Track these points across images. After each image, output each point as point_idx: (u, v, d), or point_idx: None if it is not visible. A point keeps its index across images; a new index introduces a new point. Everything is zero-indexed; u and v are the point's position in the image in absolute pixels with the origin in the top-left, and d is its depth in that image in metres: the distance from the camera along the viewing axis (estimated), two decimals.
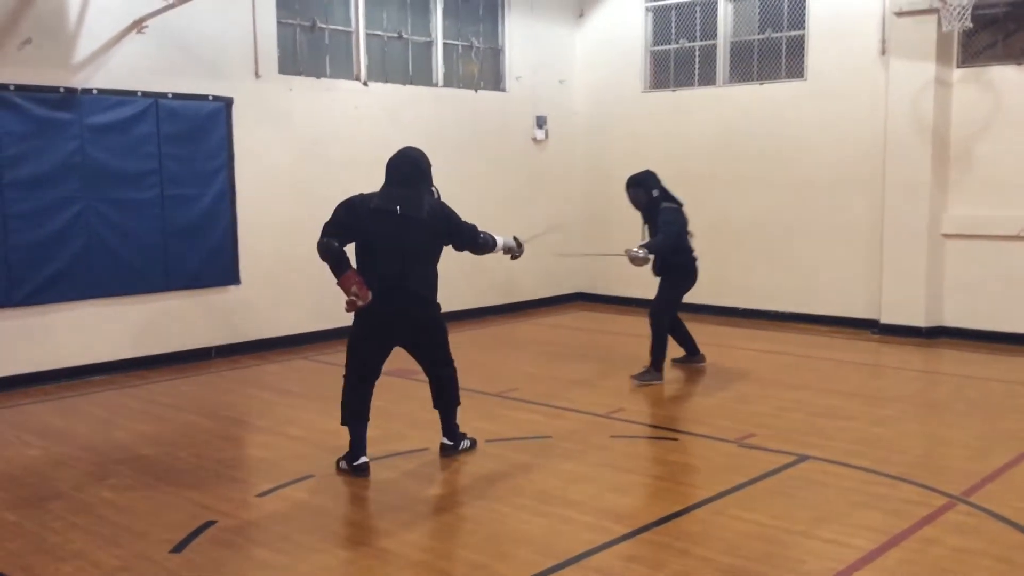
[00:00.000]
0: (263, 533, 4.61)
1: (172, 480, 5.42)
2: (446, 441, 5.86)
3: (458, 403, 5.86)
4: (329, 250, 5.30)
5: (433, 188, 5.65)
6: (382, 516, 4.81)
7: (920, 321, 9.70)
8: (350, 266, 5.34)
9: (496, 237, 5.98)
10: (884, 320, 9.98)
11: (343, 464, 5.52)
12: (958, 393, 7.54)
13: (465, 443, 5.91)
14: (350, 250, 5.43)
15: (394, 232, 5.36)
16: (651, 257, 7.56)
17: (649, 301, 8.03)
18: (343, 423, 5.54)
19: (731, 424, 6.49)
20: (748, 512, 4.80)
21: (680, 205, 7.82)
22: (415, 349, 5.73)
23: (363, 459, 5.48)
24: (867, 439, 6.10)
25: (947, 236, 9.68)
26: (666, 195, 7.80)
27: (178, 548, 4.41)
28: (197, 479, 5.43)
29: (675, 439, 6.17)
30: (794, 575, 4.08)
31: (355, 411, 5.53)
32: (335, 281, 5.33)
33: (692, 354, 8.34)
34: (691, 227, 7.98)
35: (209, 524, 4.69)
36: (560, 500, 4.99)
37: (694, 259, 7.90)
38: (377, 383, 5.62)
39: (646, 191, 7.78)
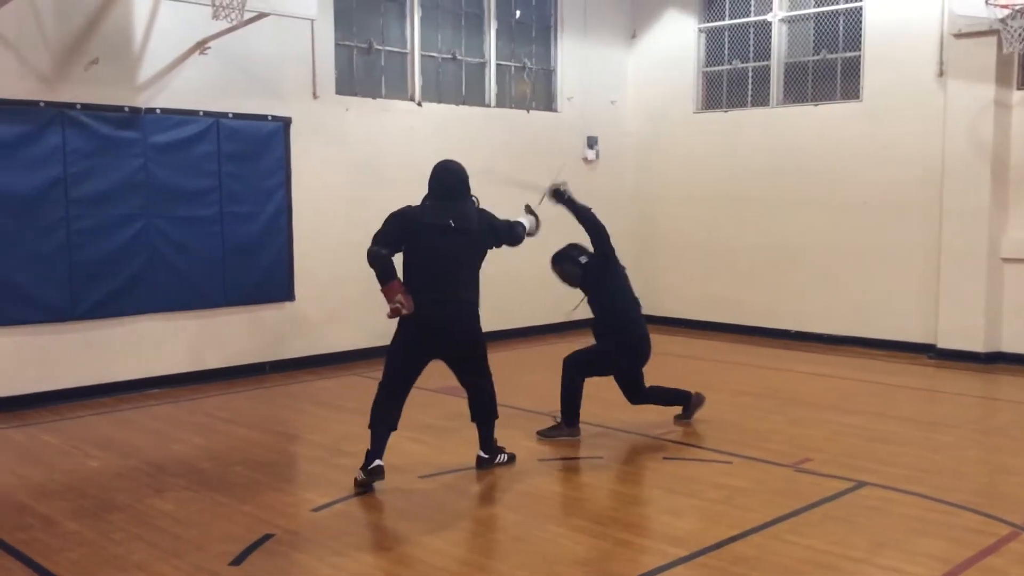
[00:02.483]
0: (319, 548, 4.65)
1: (229, 493, 5.50)
2: (482, 454, 5.88)
3: (496, 416, 5.89)
4: (378, 258, 5.42)
5: (473, 197, 5.75)
6: (435, 533, 4.82)
7: (978, 346, 9.52)
8: (396, 276, 5.45)
9: (523, 221, 6.11)
10: (941, 345, 9.81)
11: (359, 475, 5.47)
12: (1019, 421, 7.38)
13: (502, 457, 5.93)
14: (398, 260, 5.57)
15: (447, 245, 5.49)
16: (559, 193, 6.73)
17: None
18: (369, 427, 5.55)
19: (786, 448, 6.42)
20: (805, 538, 4.74)
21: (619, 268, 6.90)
22: (456, 362, 5.78)
23: (378, 462, 5.47)
24: (926, 466, 6.00)
25: (1006, 260, 9.50)
26: (600, 257, 6.85)
27: (237, 561, 4.46)
28: (253, 492, 5.50)
29: (729, 462, 6.11)
30: None
31: (383, 419, 5.57)
32: (379, 288, 5.45)
33: (571, 423, 6.79)
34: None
35: (267, 537, 4.74)
36: (614, 521, 4.97)
37: (639, 338, 6.78)
38: (428, 401, 5.67)
39: (570, 262, 6.87)
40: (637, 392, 6.93)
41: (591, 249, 6.83)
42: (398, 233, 5.54)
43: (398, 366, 5.62)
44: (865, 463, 6.03)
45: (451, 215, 5.54)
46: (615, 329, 6.76)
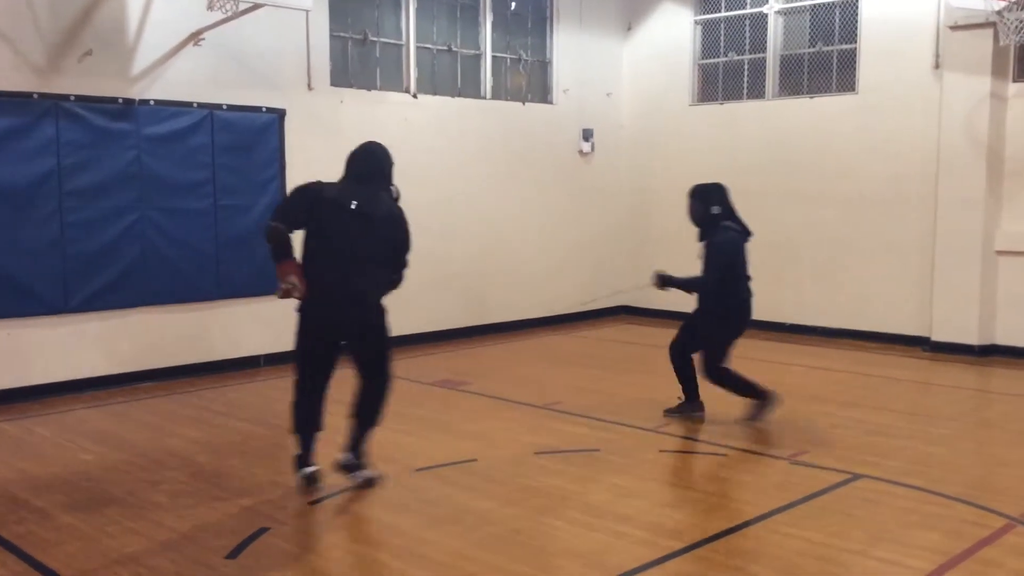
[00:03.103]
0: (316, 542, 4.64)
1: (225, 486, 5.48)
2: (348, 456, 5.35)
3: (378, 422, 5.40)
4: (275, 234, 5.04)
5: (392, 187, 5.38)
6: (432, 526, 4.81)
7: (972, 339, 9.53)
8: (292, 255, 5.08)
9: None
10: (935, 337, 9.82)
11: (297, 481, 5.30)
12: (1013, 413, 7.40)
13: (369, 472, 5.41)
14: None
15: (346, 228, 5.11)
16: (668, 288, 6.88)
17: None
18: (292, 432, 5.30)
19: (782, 440, 6.43)
20: (802, 530, 4.74)
21: (742, 231, 6.80)
22: (355, 352, 5.33)
23: (311, 468, 5.27)
24: (922, 458, 6.01)
25: (1000, 253, 9.52)
26: (728, 214, 6.79)
27: (233, 554, 4.45)
28: (249, 486, 5.48)
29: (725, 455, 6.11)
30: None
31: (305, 421, 5.29)
32: (274, 265, 5.09)
33: (692, 400, 7.06)
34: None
35: (263, 531, 4.73)
36: (611, 514, 4.96)
37: (742, 302, 6.74)
38: (423, 393, 5.63)
39: (704, 204, 6.75)
40: (716, 369, 6.75)
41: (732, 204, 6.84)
42: (300, 209, 5.15)
43: (308, 360, 5.26)
44: (861, 455, 6.03)
45: (356, 197, 5.15)
46: (726, 302, 6.69)
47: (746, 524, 4.82)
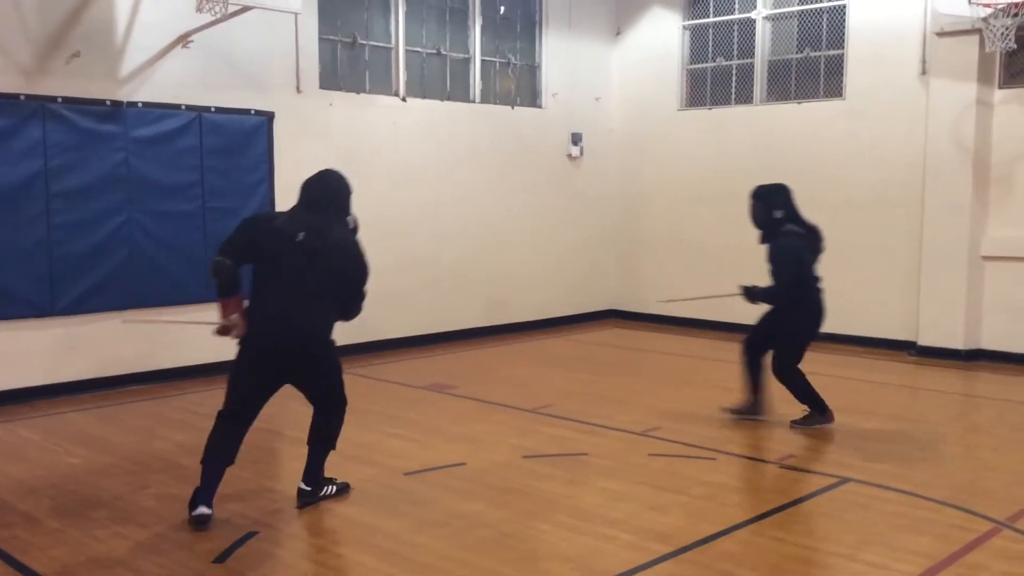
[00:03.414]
0: (304, 545, 4.63)
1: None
2: (303, 486, 5.20)
3: (332, 448, 5.27)
4: (221, 270, 4.84)
5: (349, 217, 5.13)
6: (420, 530, 4.80)
7: (958, 344, 9.58)
8: (237, 292, 4.90)
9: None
10: (921, 342, 9.87)
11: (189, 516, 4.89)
12: (1000, 417, 7.43)
13: (329, 489, 5.29)
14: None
15: (291, 261, 4.85)
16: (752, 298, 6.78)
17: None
18: (201, 461, 4.95)
19: (770, 444, 6.44)
20: (790, 534, 4.76)
21: (806, 231, 6.76)
22: (300, 387, 5.13)
23: (202, 509, 4.82)
24: (909, 462, 6.03)
25: (987, 258, 9.57)
26: (791, 217, 6.71)
27: (221, 558, 4.43)
28: (237, 490, 5.45)
29: (713, 458, 6.13)
30: None
31: (218, 453, 4.95)
32: (219, 300, 4.95)
33: (753, 407, 7.07)
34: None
35: (251, 535, 4.71)
36: (599, 518, 4.96)
37: (816, 292, 6.78)
38: (414, 397, 5.60)
39: (766, 208, 6.67)
40: (789, 367, 6.74)
41: (797, 207, 6.74)
42: (246, 241, 4.90)
43: (242, 391, 4.97)
44: (848, 459, 6.06)
45: (304, 227, 4.87)
46: (800, 294, 6.68)
47: (735, 528, 4.83)
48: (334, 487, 5.33)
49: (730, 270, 11.43)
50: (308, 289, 4.88)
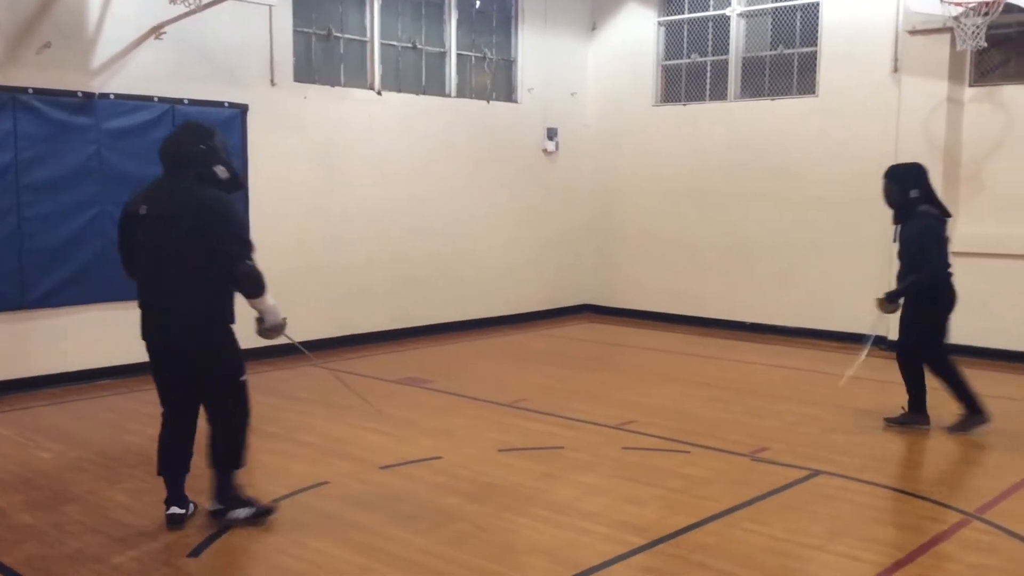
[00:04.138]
0: (280, 539, 4.61)
1: (187, 485, 5.41)
2: (215, 504, 4.70)
3: (237, 465, 4.67)
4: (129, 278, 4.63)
5: (218, 168, 4.49)
6: (397, 524, 4.80)
7: None
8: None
9: (266, 291, 4.55)
10: (894, 337, 9.95)
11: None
12: None
13: (241, 512, 4.65)
14: None
15: (145, 239, 4.43)
16: (900, 302, 6.63)
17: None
18: (157, 472, 4.74)
19: (743, 438, 6.50)
20: (763, 526, 4.81)
21: (942, 214, 6.59)
22: (194, 384, 4.61)
23: (174, 509, 4.64)
24: (880, 455, 6.11)
25: (956, 254, 9.62)
26: (928, 197, 6.54)
27: (195, 552, 4.42)
28: (208, 485, 5.42)
29: (687, 452, 6.17)
30: None
31: (165, 459, 4.68)
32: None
33: (918, 410, 6.82)
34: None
35: (225, 529, 4.69)
36: (575, 511, 4.99)
37: (948, 276, 6.58)
38: (388, 391, 5.57)
39: (902, 187, 6.50)
40: (941, 357, 6.65)
41: (933, 187, 6.58)
42: (123, 236, 4.58)
43: (159, 393, 4.72)
44: (821, 452, 6.13)
45: (146, 199, 4.43)
46: (932, 279, 6.50)
47: (708, 520, 4.88)
48: (247, 510, 4.69)
49: (702, 265, 11.56)
50: (168, 268, 4.38)
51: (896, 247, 6.67)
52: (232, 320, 4.60)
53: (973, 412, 6.65)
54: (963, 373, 6.74)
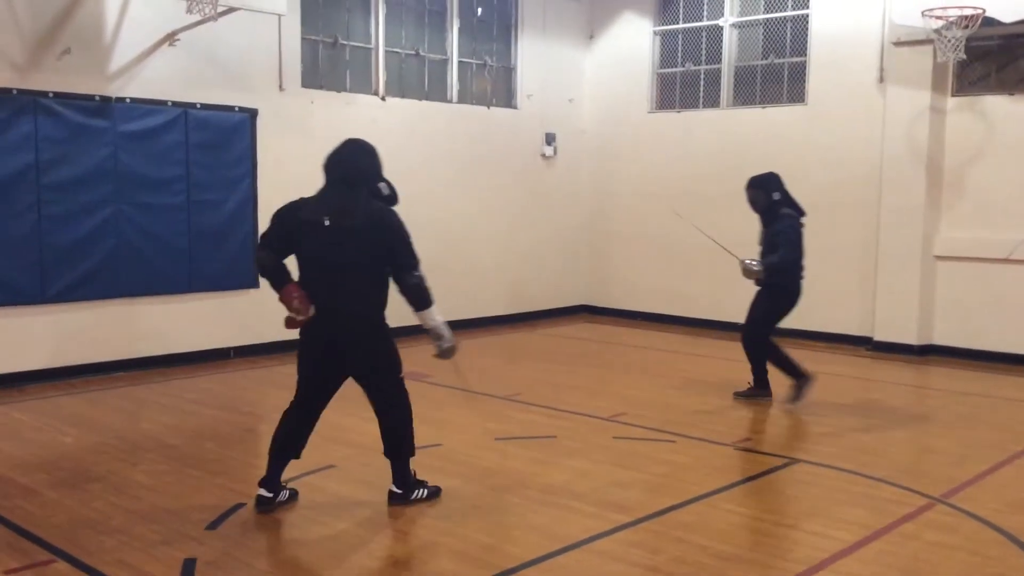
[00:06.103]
0: (291, 515, 4.95)
1: (201, 467, 5.77)
2: (394, 489, 5.11)
3: (408, 452, 5.11)
4: (264, 267, 4.86)
5: (382, 184, 4.96)
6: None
7: (912, 339, 10.05)
8: (290, 279, 4.85)
9: (433, 306, 4.99)
10: (877, 337, 10.33)
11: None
12: (945, 407, 7.87)
13: (420, 492, 5.15)
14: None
15: (323, 247, 4.75)
16: (762, 272, 7.40)
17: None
18: (269, 451, 5.04)
19: (727, 429, 6.84)
20: (740, 507, 5.16)
21: (801, 214, 7.49)
22: (360, 382, 5.03)
23: (262, 491, 4.95)
24: (855, 446, 6.44)
25: (939, 258, 10.04)
26: (787, 200, 7.50)
27: (213, 525, 4.76)
28: (224, 466, 5.78)
29: (673, 441, 6.51)
30: (782, 561, 4.43)
31: (282, 444, 4.99)
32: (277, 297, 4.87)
33: (761, 388, 7.75)
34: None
35: (239, 506, 5.04)
36: (565, 492, 5.33)
37: (801, 277, 7.51)
38: None
39: (766, 192, 7.46)
40: (761, 341, 7.55)
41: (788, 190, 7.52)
42: (284, 233, 4.83)
43: (306, 383, 5.01)
44: (799, 443, 6.48)
45: (328, 210, 4.75)
46: (787, 278, 7.42)
47: (690, 501, 5.22)
48: (425, 490, 5.19)
49: (694, 267, 11.89)
50: (347, 274, 4.75)
51: (760, 249, 7.57)
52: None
53: (799, 378, 7.47)
54: (784, 349, 7.66)
